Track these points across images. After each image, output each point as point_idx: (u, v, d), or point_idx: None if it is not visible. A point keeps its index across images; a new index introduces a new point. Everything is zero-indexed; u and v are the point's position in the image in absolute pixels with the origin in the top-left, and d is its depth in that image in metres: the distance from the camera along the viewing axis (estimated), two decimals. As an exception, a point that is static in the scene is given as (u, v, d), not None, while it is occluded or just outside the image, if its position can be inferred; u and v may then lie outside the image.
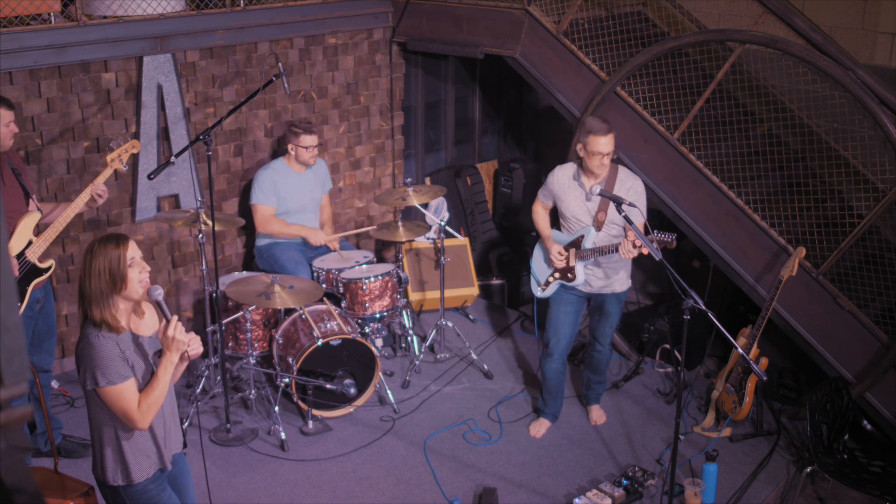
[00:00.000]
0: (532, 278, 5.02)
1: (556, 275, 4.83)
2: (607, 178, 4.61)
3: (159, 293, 2.93)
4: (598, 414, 5.21)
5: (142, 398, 2.95)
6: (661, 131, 5.27)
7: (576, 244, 4.72)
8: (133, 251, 2.97)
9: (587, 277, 4.77)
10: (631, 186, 4.60)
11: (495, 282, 6.75)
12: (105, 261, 2.93)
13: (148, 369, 3.03)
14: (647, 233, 4.28)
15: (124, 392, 2.93)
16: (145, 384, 3.00)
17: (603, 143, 4.47)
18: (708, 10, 5.99)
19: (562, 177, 4.74)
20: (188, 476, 3.35)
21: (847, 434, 4.66)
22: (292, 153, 5.68)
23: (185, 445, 3.38)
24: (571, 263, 4.75)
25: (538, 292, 4.97)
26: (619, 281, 4.83)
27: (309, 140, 5.63)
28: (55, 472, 3.92)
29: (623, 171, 4.66)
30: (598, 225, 4.64)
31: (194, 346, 3.03)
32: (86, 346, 2.92)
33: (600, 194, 4.30)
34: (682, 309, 3.79)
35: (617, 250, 4.48)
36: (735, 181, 5.14)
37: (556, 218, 4.96)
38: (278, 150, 6.13)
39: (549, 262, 4.86)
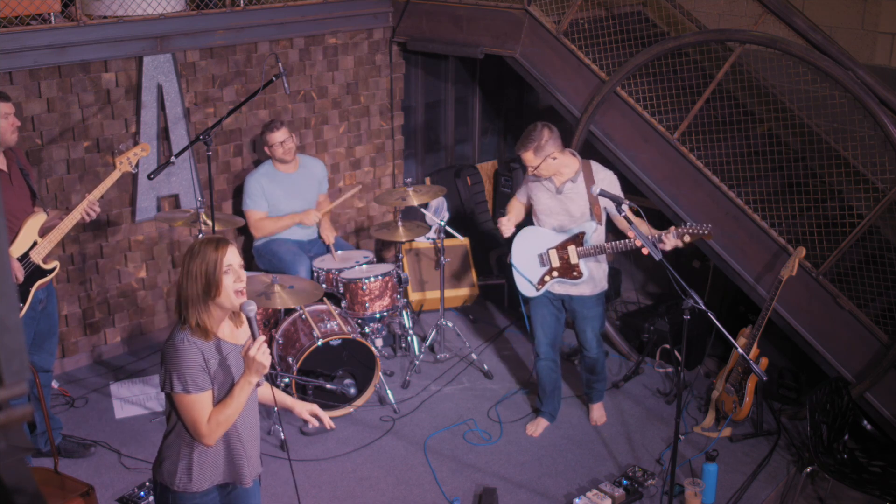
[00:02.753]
0: (520, 277, 4.88)
1: (555, 273, 4.79)
2: (582, 175, 4.63)
3: (252, 308, 2.82)
4: (598, 413, 5.21)
5: (213, 413, 2.85)
6: (661, 131, 5.27)
7: (576, 240, 4.70)
8: (232, 257, 2.86)
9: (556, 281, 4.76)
10: (604, 178, 4.63)
11: (495, 282, 6.75)
12: (202, 264, 2.83)
13: (231, 381, 2.93)
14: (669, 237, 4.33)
15: (196, 403, 2.84)
16: (223, 396, 2.90)
17: (524, 159, 4.60)
18: (708, 10, 6.00)
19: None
20: (255, 498, 3.15)
21: (847, 434, 4.66)
22: (270, 153, 5.69)
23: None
24: (574, 261, 4.73)
25: (531, 292, 4.87)
26: (595, 282, 4.79)
27: (275, 137, 5.61)
28: (55, 472, 3.92)
29: (596, 165, 4.69)
30: (598, 219, 4.67)
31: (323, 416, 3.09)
32: (170, 347, 2.85)
33: (601, 194, 4.29)
34: (682, 309, 3.79)
35: (622, 248, 4.50)
36: (735, 181, 5.14)
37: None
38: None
39: (539, 259, 4.84)
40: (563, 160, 4.62)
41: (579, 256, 4.70)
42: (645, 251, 4.30)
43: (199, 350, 2.84)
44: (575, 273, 4.74)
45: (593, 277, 4.78)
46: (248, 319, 2.84)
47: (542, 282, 4.84)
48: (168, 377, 2.84)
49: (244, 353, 2.82)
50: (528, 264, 4.87)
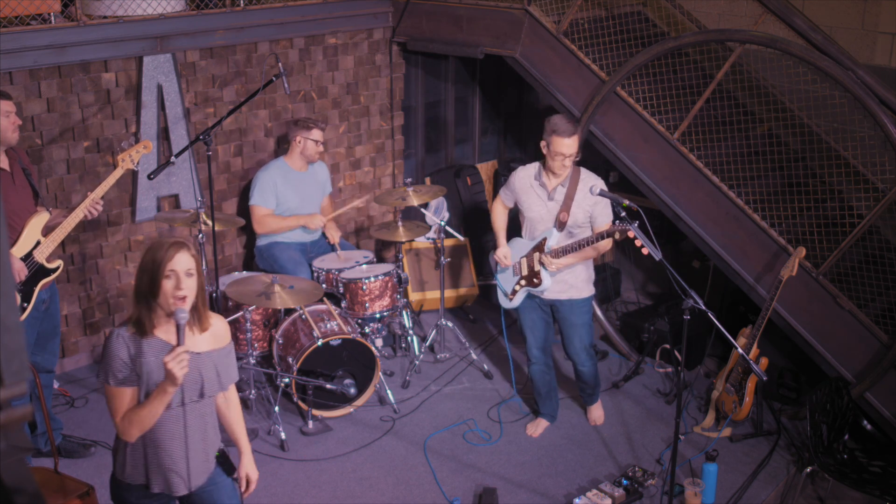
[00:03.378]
0: (498, 289, 4.95)
1: (523, 282, 4.78)
2: (570, 180, 4.56)
3: (183, 317, 2.82)
4: (597, 414, 5.20)
5: (128, 411, 2.89)
6: (661, 131, 5.27)
7: (539, 248, 4.68)
8: (178, 263, 2.85)
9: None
10: (594, 184, 4.56)
11: (495, 282, 6.74)
12: (149, 261, 2.86)
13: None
14: (645, 232, 4.26)
15: (115, 396, 2.89)
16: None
17: (566, 145, 4.42)
18: (708, 10, 5.99)
19: (524, 177, 4.69)
20: (221, 501, 3.17)
21: (847, 434, 4.66)
22: (299, 146, 5.66)
23: (231, 471, 3.20)
24: (536, 268, 4.71)
25: (506, 303, 4.91)
26: (580, 287, 4.75)
27: (318, 135, 5.67)
28: (55, 472, 3.92)
29: (584, 172, 4.61)
30: (560, 225, 4.60)
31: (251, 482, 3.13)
32: (105, 338, 2.92)
33: (600, 194, 4.29)
34: (682, 309, 3.79)
35: (579, 247, 4.44)
36: (735, 181, 5.14)
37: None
38: (279, 150, 6.13)
39: (512, 269, 4.81)
40: None
41: (540, 263, 4.67)
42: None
43: (126, 345, 2.87)
44: (535, 280, 4.71)
45: (570, 284, 4.71)
46: (178, 326, 2.82)
47: (513, 292, 4.85)
48: (100, 365, 2.95)
49: (164, 359, 2.81)
50: (504, 276, 4.91)
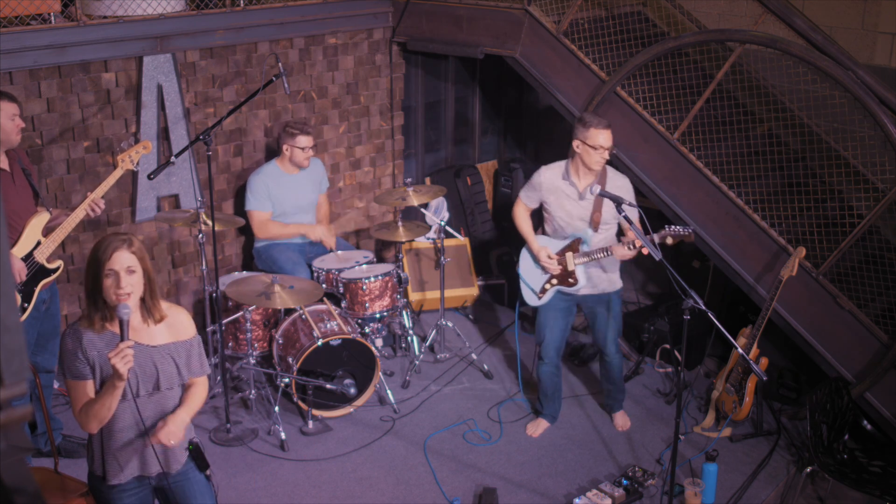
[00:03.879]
0: (524, 286, 4.93)
1: (554, 281, 4.79)
2: (599, 178, 4.59)
3: (126, 312, 2.84)
4: (622, 420, 5.18)
5: (85, 404, 2.94)
6: (661, 131, 5.27)
7: (573, 247, 4.69)
8: (116, 261, 2.89)
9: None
10: (622, 185, 4.60)
11: (495, 282, 6.75)
12: (92, 260, 2.93)
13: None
14: (645, 231, 4.28)
15: (73, 389, 2.98)
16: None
17: (604, 137, 4.47)
18: (708, 10, 5.99)
19: (551, 177, 4.70)
20: (193, 498, 3.20)
21: (847, 434, 4.66)
22: (287, 154, 5.66)
23: (205, 467, 3.20)
24: (570, 268, 4.72)
25: (534, 301, 4.90)
26: (609, 281, 4.79)
27: (305, 141, 5.60)
28: (55, 472, 3.92)
29: (611, 170, 4.66)
30: (595, 226, 4.63)
31: (167, 435, 2.98)
32: (61, 334, 3.02)
33: (601, 194, 4.29)
34: (682, 309, 3.79)
35: (611, 253, 4.50)
36: (735, 181, 5.14)
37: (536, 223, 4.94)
38: (278, 150, 6.13)
39: (542, 267, 4.81)
40: None
41: (576, 263, 4.68)
42: (645, 251, 4.30)
43: (79, 340, 2.95)
44: (571, 280, 4.72)
45: (601, 278, 4.75)
46: (120, 322, 2.86)
47: (542, 290, 4.85)
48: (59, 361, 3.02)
49: (108, 354, 2.85)
50: (531, 273, 4.89)
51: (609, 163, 5.50)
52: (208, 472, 3.23)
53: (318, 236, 5.74)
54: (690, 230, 4.31)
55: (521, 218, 4.89)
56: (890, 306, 4.83)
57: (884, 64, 5.72)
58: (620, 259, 4.51)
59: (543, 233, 4.88)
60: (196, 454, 3.18)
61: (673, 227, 4.35)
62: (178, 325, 3.11)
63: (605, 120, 4.53)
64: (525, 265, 4.91)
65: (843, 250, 4.79)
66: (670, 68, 5.32)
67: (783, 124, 5.40)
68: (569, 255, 4.69)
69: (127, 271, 2.91)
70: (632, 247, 4.41)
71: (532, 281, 4.89)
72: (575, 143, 4.55)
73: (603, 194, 4.28)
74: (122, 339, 2.84)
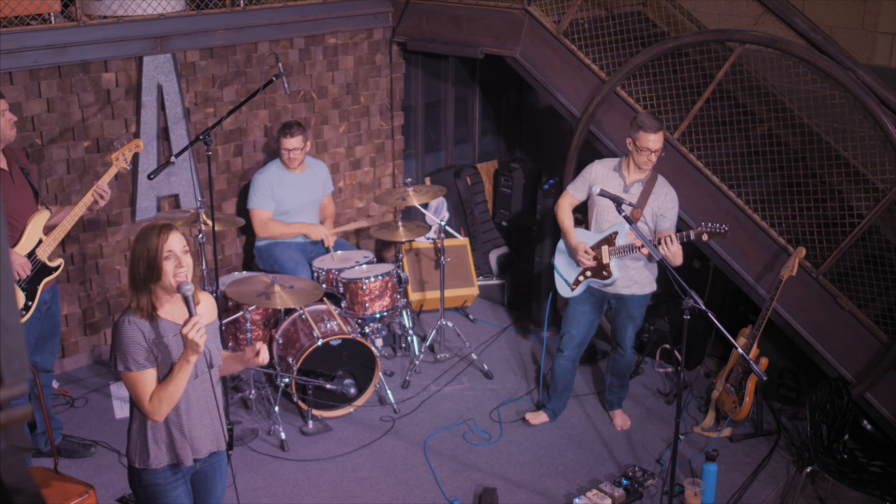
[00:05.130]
0: (558, 277, 4.95)
1: (588, 273, 4.80)
2: (647, 180, 4.64)
3: (188, 289, 2.92)
4: (622, 419, 5.19)
5: (155, 391, 2.97)
6: (661, 131, 5.26)
7: (608, 241, 4.71)
8: (173, 243, 2.97)
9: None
10: (667, 193, 4.63)
11: (495, 282, 6.75)
12: (144, 249, 2.95)
13: (172, 360, 3.02)
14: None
15: (138, 381, 2.97)
16: (167, 374, 3.00)
17: (652, 140, 4.52)
18: (708, 10, 5.99)
19: (602, 168, 4.77)
20: (218, 478, 3.29)
21: (847, 434, 4.66)
22: (279, 153, 5.71)
23: (230, 447, 3.32)
24: (605, 261, 4.74)
25: (567, 292, 4.92)
26: (643, 283, 4.79)
27: (287, 143, 5.62)
28: (55, 472, 3.92)
29: (662, 179, 4.69)
30: (633, 220, 4.64)
31: (262, 355, 3.14)
32: (114, 328, 3.00)
33: (600, 194, 4.30)
34: (682, 309, 3.79)
35: (653, 245, 4.49)
36: (735, 181, 5.14)
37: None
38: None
39: (577, 260, 4.84)
40: None
41: (611, 256, 4.70)
42: (645, 251, 4.31)
43: (139, 330, 2.96)
44: (605, 273, 4.74)
45: (635, 280, 4.76)
46: (185, 299, 2.93)
47: (576, 282, 4.86)
48: (113, 356, 3.00)
49: (182, 330, 2.92)
50: (566, 265, 4.92)
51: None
52: (231, 451, 3.29)
53: (320, 235, 5.75)
54: (726, 227, 4.33)
55: (564, 212, 4.90)
56: (890, 306, 4.83)
57: (884, 64, 5.72)
58: (665, 257, 4.33)
59: (586, 228, 4.89)
60: (231, 432, 3.25)
61: (709, 224, 4.38)
62: (208, 308, 3.20)
63: (657, 123, 4.54)
64: (560, 258, 4.95)
65: (843, 250, 4.79)
66: (670, 68, 5.32)
67: (783, 124, 5.39)
68: (605, 248, 4.71)
69: (183, 251, 2.99)
70: (669, 242, 4.40)
71: (566, 273, 4.92)
72: (627, 141, 4.62)
73: (603, 194, 4.29)
74: (190, 315, 2.91)
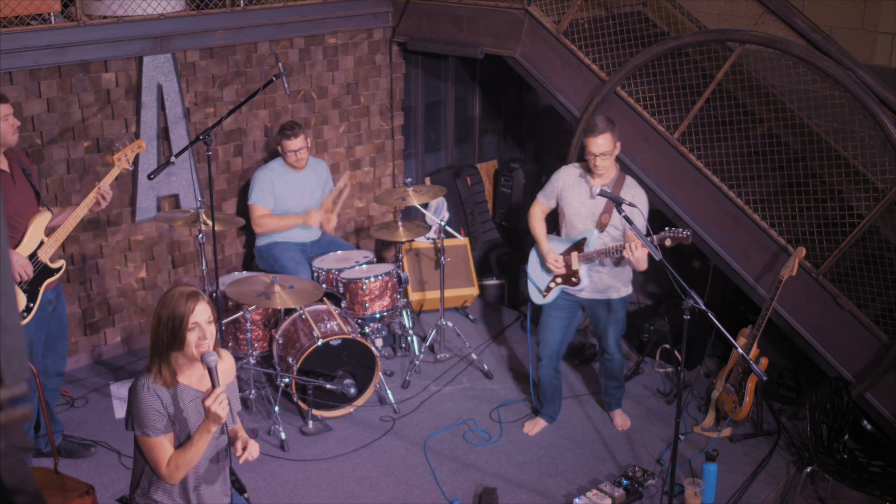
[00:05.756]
0: (531, 284, 4.95)
1: (559, 280, 4.80)
2: (614, 183, 4.60)
3: (213, 360, 2.89)
4: (621, 420, 5.17)
5: (173, 457, 2.94)
6: (661, 131, 5.27)
7: (578, 247, 4.70)
8: (200, 314, 2.93)
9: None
10: (634, 195, 4.59)
11: (495, 282, 6.75)
12: (168, 316, 2.91)
13: (191, 427, 3.00)
14: (646, 233, 4.29)
15: (155, 447, 2.94)
16: (185, 440, 2.98)
17: (593, 144, 4.47)
18: (708, 10, 5.99)
19: (568, 175, 4.73)
20: None
21: (847, 434, 4.66)
22: (280, 153, 5.71)
23: (243, 490, 3.30)
24: (574, 267, 4.72)
25: (539, 299, 4.91)
26: (616, 288, 4.78)
27: (291, 145, 5.62)
28: (55, 472, 3.92)
29: (630, 181, 4.65)
30: (601, 227, 4.63)
31: (251, 451, 3.10)
32: (132, 392, 2.96)
33: (601, 194, 4.30)
34: (682, 309, 3.79)
35: (620, 252, 4.47)
36: (735, 181, 5.14)
37: (552, 224, 4.93)
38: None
39: (547, 267, 4.83)
40: (614, 157, 4.61)
41: (580, 262, 4.69)
42: (645, 251, 4.30)
43: (157, 397, 2.94)
44: (574, 280, 4.73)
45: (607, 284, 4.73)
46: (210, 370, 2.90)
47: (547, 289, 4.85)
48: (129, 419, 2.97)
49: (204, 399, 2.89)
50: (538, 272, 4.91)
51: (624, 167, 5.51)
52: (246, 494, 3.33)
53: (316, 221, 5.73)
54: (688, 233, 4.30)
55: (535, 218, 4.90)
56: (890, 306, 4.83)
57: (884, 64, 5.72)
58: (629, 262, 4.44)
59: (557, 234, 4.88)
60: (235, 481, 3.28)
61: (672, 229, 4.36)
62: (227, 368, 3.18)
63: (599, 126, 4.48)
64: (532, 265, 4.94)
65: (843, 250, 4.79)
66: (670, 68, 5.32)
67: (783, 124, 5.40)
68: (574, 254, 4.69)
69: (207, 322, 2.95)
70: (633, 248, 4.38)
71: (538, 280, 4.91)
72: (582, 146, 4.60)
73: (603, 194, 4.29)
74: (213, 385, 2.89)
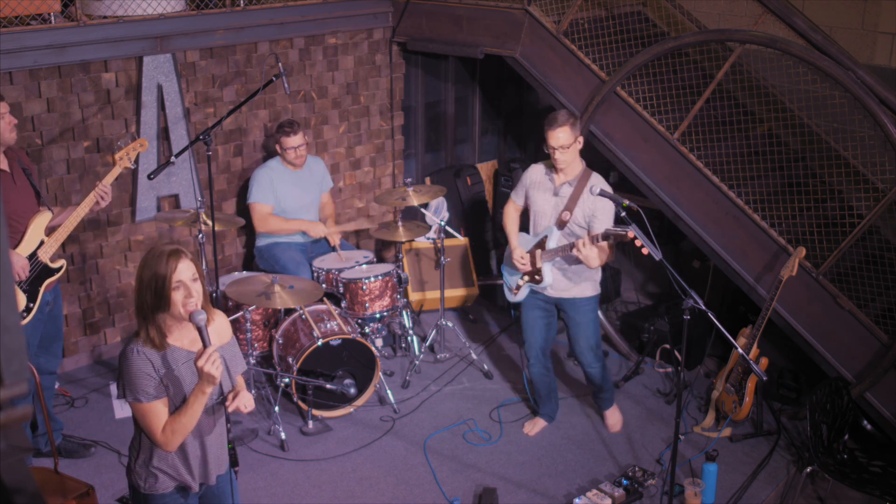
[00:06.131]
0: (504, 283, 4.99)
1: (525, 278, 4.80)
2: (578, 181, 4.56)
3: (201, 319, 2.80)
4: (613, 419, 5.13)
5: (169, 422, 2.87)
6: (661, 131, 5.27)
7: (541, 245, 4.70)
8: (183, 272, 2.83)
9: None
10: (593, 185, 4.51)
11: (495, 282, 6.75)
12: (151, 277, 2.82)
13: (185, 389, 2.92)
14: (596, 240, 4.28)
15: (149, 412, 2.87)
16: (179, 403, 2.91)
17: (551, 136, 4.45)
18: (708, 10, 5.99)
19: (536, 171, 4.74)
20: (228, 497, 3.21)
21: (847, 434, 4.66)
22: (279, 152, 5.71)
23: (235, 464, 3.23)
24: (538, 265, 4.71)
25: (510, 297, 4.93)
26: (580, 286, 4.73)
27: (290, 142, 5.62)
28: (55, 472, 3.92)
29: (595, 177, 4.59)
30: (561, 224, 4.61)
31: (242, 400, 2.99)
32: (122, 358, 2.88)
33: (600, 194, 4.29)
34: (682, 309, 3.79)
35: (570, 249, 4.42)
36: (735, 181, 5.14)
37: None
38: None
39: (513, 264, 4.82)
40: (578, 152, 4.58)
41: (542, 260, 4.68)
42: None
43: (148, 360, 2.85)
44: (537, 277, 4.72)
45: (573, 282, 4.70)
46: (199, 329, 2.82)
47: (517, 287, 4.86)
48: (121, 386, 2.89)
49: (195, 360, 2.82)
50: (509, 270, 4.93)
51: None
52: (236, 468, 3.25)
53: (320, 233, 5.75)
54: (627, 230, 4.09)
55: (508, 216, 4.92)
56: (890, 306, 4.83)
57: (884, 64, 5.72)
58: (586, 260, 4.33)
59: (528, 232, 4.88)
60: (233, 451, 3.22)
61: (611, 226, 4.25)
62: (222, 328, 3.10)
63: (559, 119, 4.45)
64: (506, 262, 4.96)
65: (843, 250, 4.79)
66: (670, 68, 5.32)
67: (783, 124, 5.39)
68: (538, 252, 4.69)
69: (192, 280, 2.87)
70: (597, 241, 4.30)
71: (509, 277, 4.94)
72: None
73: (603, 194, 4.27)
74: (204, 345, 2.81)
